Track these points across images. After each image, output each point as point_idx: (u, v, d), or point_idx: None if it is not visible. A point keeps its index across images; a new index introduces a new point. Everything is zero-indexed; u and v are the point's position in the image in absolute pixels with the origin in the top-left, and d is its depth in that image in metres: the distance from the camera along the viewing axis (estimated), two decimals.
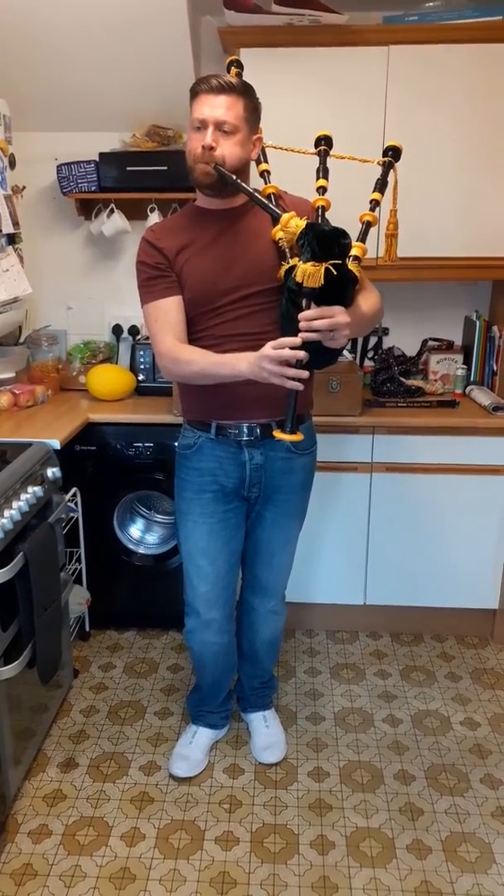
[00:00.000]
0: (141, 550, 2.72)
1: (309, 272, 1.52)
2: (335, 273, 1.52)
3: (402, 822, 1.95)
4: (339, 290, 1.56)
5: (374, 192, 1.71)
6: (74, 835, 1.91)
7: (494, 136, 2.45)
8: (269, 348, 1.53)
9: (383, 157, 1.73)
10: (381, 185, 1.72)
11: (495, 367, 2.75)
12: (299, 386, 1.55)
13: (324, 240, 1.54)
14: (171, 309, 1.76)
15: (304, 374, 1.54)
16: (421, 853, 1.86)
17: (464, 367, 2.83)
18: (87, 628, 2.79)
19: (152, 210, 2.75)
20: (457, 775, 2.12)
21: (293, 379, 1.53)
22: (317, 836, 1.91)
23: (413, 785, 2.08)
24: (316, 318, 1.52)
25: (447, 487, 2.57)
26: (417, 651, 2.73)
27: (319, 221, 1.67)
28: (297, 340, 1.52)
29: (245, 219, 1.78)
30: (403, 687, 2.52)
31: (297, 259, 1.58)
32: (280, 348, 1.52)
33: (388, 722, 2.34)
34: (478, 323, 2.79)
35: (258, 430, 1.83)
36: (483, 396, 2.66)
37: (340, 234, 1.56)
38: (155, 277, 1.76)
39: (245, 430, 1.83)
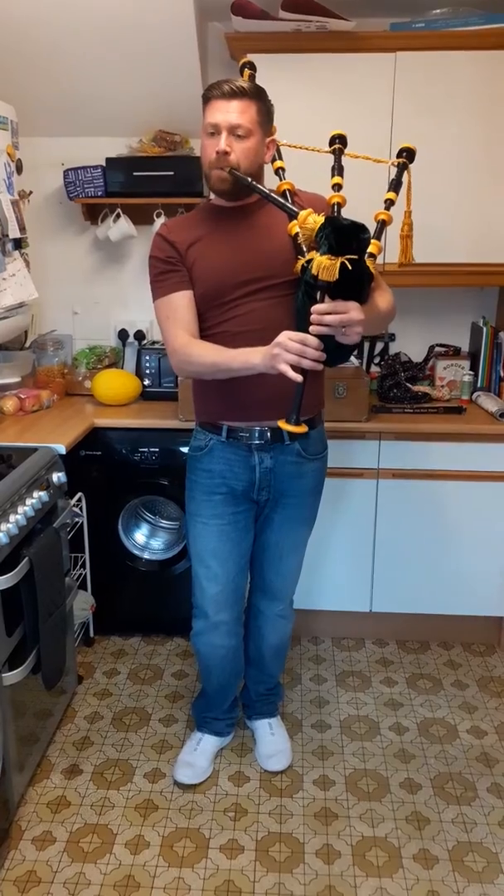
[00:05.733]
0: (146, 556, 2.71)
1: (325, 265, 1.50)
2: (350, 268, 1.50)
3: (408, 831, 1.94)
4: (356, 285, 1.54)
5: (388, 191, 1.69)
6: (78, 842, 1.90)
7: (502, 141, 2.44)
8: (283, 336, 1.53)
9: (397, 157, 1.73)
10: (395, 185, 1.70)
11: (502, 374, 2.74)
12: (319, 365, 1.54)
13: (342, 234, 1.52)
14: (182, 304, 1.75)
15: (319, 366, 1.53)
16: (427, 863, 1.84)
17: (471, 373, 2.82)
18: (92, 634, 2.78)
19: (158, 215, 2.77)
20: (463, 784, 2.10)
21: (307, 369, 1.52)
22: (322, 845, 1.89)
23: (419, 794, 2.06)
24: (329, 313, 1.51)
25: (453, 494, 2.56)
26: (424, 659, 2.72)
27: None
28: (317, 340, 1.51)
29: (259, 214, 1.78)
30: (410, 695, 2.50)
31: (314, 253, 1.57)
32: (299, 342, 1.51)
33: (394, 730, 2.33)
34: (485, 329, 2.79)
35: (269, 434, 1.82)
36: (490, 403, 2.65)
37: (359, 229, 1.54)
38: (166, 272, 1.76)
39: (256, 433, 1.83)
